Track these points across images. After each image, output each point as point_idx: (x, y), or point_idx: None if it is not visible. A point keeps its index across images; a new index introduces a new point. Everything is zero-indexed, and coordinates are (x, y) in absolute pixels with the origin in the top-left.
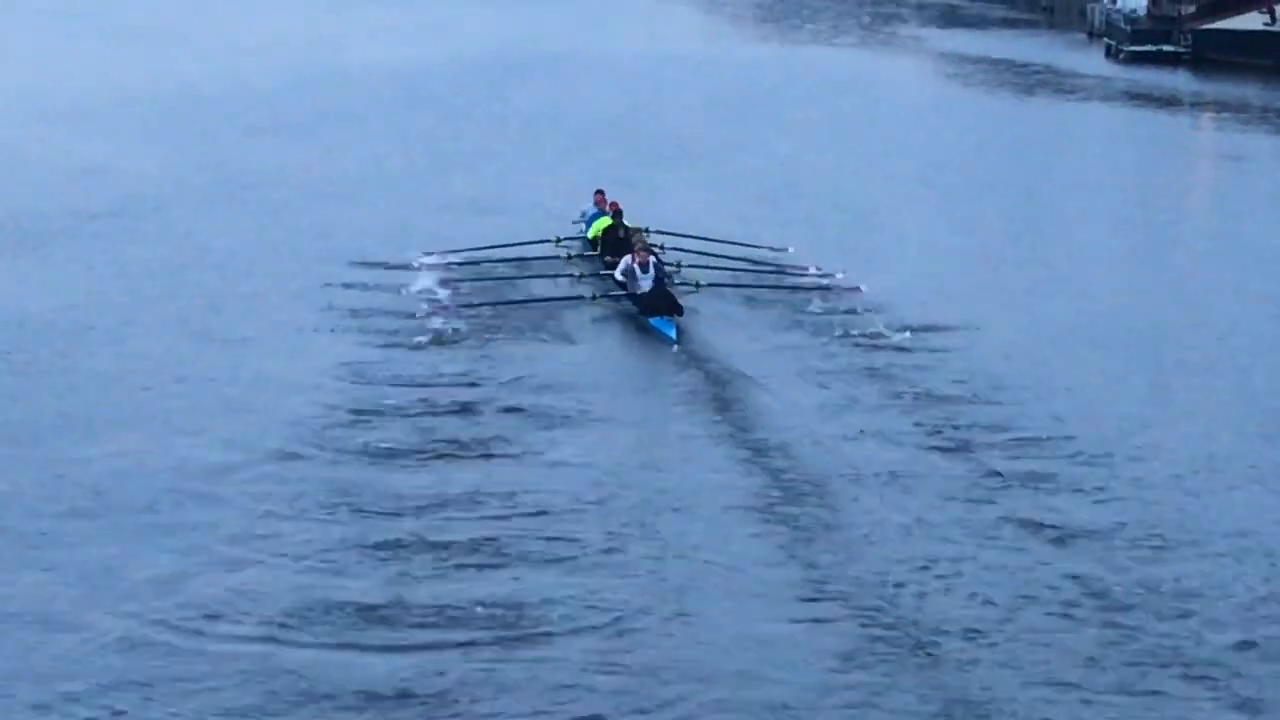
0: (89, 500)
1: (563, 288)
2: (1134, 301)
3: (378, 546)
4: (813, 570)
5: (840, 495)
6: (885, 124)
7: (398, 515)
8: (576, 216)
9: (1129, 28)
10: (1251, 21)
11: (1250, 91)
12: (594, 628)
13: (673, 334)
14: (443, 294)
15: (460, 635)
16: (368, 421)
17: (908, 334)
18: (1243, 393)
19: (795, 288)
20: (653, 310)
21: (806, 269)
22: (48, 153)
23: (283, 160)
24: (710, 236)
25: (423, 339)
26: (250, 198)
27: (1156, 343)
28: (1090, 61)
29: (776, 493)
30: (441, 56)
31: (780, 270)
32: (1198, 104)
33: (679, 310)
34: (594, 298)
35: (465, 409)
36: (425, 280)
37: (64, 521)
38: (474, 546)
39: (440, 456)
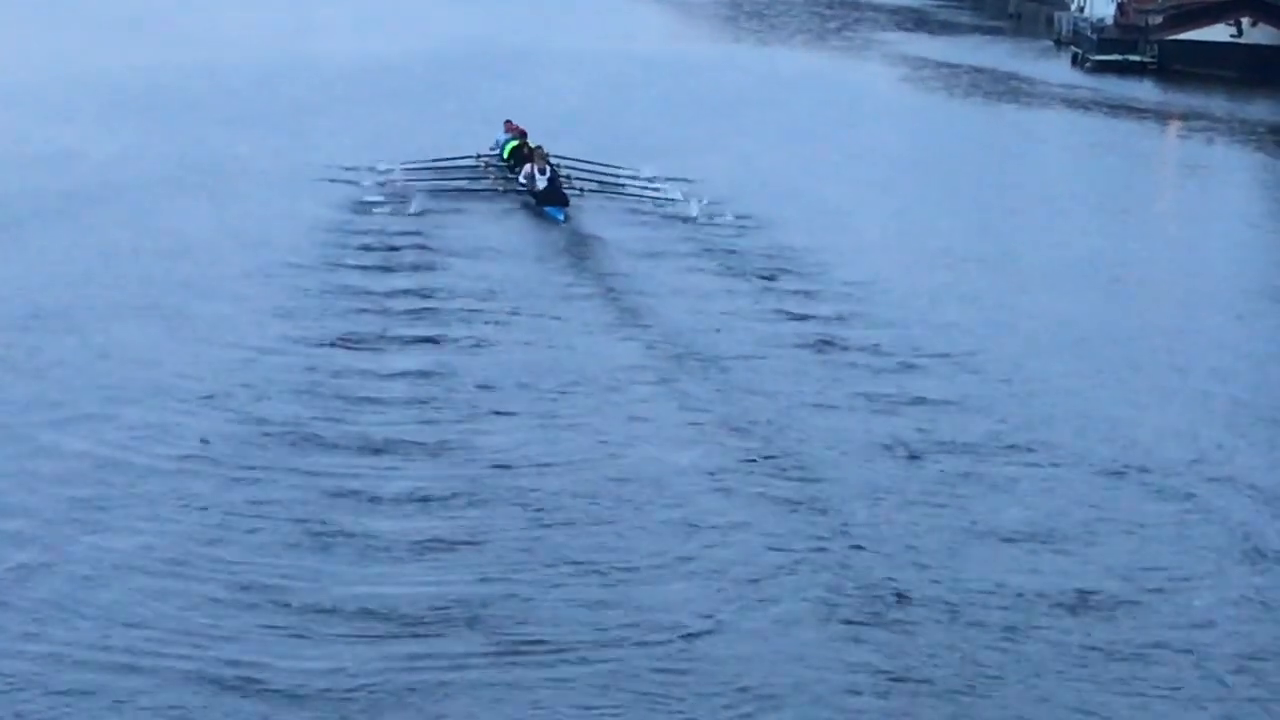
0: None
1: (481, 185)
2: (1087, 302)
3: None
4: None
5: (664, 311)
6: (848, 126)
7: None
8: (493, 143)
9: (1095, 36)
10: (1218, 33)
11: (1215, 102)
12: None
13: (561, 217)
14: (397, 183)
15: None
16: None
17: (730, 216)
18: (1188, 396)
19: (652, 198)
20: (547, 200)
21: (662, 187)
22: (18, 137)
23: (252, 149)
24: (596, 160)
25: (381, 209)
26: (217, 185)
27: (1102, 343)
28: (1056, 69)
29: (625, 314)
30: (410, 50)
31: (644, 186)
32: (1163, 114)
33: (566, 202)
34: (503, 191)
35: (413, 263)
36: (382, 176)
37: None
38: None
39: (393, 295)
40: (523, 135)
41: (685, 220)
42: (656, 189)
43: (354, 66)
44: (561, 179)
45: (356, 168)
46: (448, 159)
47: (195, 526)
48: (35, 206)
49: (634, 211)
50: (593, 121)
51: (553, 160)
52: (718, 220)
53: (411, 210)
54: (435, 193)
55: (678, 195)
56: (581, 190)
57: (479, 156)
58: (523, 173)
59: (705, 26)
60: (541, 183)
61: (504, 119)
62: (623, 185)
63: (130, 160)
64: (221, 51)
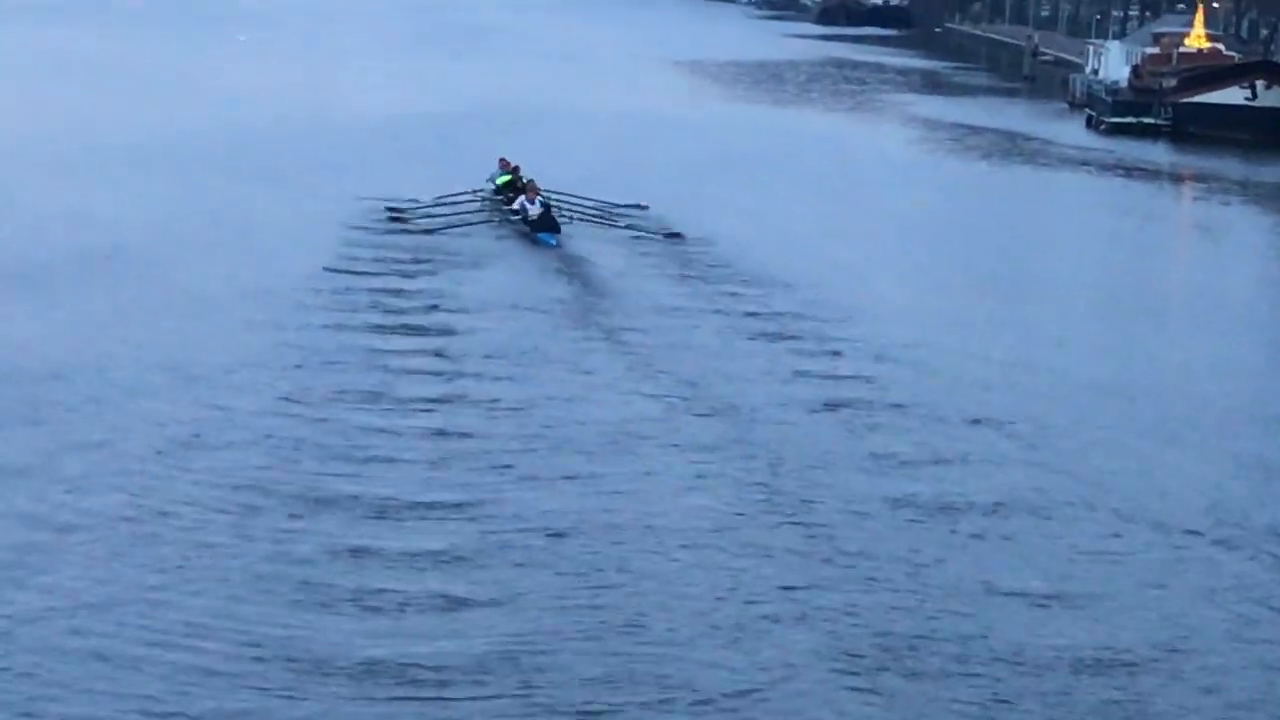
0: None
1: (479, 216)
2: (1102, 360)
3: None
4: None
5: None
6: (862, 185)
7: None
8: (488, 177)
9: (1110, 99)
10: (1232, 95)
11: (1229, 165)
12: None
13: (553, 242)
14: (404, 214)
15: None
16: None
17: (697, 239)
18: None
19: (638, 228)
20: (540, 228)
21: (647, 217)
22: (38, 197)
23: (268, 203)
24: (584, 194)
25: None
26: (232, 240)
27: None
28: (1071, 131)
29: (616, 319)
30: (430, 108)
31: (631, 218)
32: (1177, 176)
33: (558, 229)
34: (499, 222)
35: (419, 288)
36: (391, 212)
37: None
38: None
39: (399, 311)
40: (515, 170)
41: (666, 241)
42: (641, 219)
43: (372, 123)
44: (552, 208)
45: (371, 214)
46: (450, 195)
47: (207, 583)
48: (53, 262)
49: (619, 237)
50: (608, 177)
51: (544, 192)
52: (702, 247)
53: (420, 229)
54: (439, 225)
55: (662, 225)
56: (571, 218)
57: (475, 191)
58: (516, 203)
59: (722, 88)
60: (535, 212)
61: (499, 157)
62: (608, 215)
63: (148, 216)
64: (240, 108)
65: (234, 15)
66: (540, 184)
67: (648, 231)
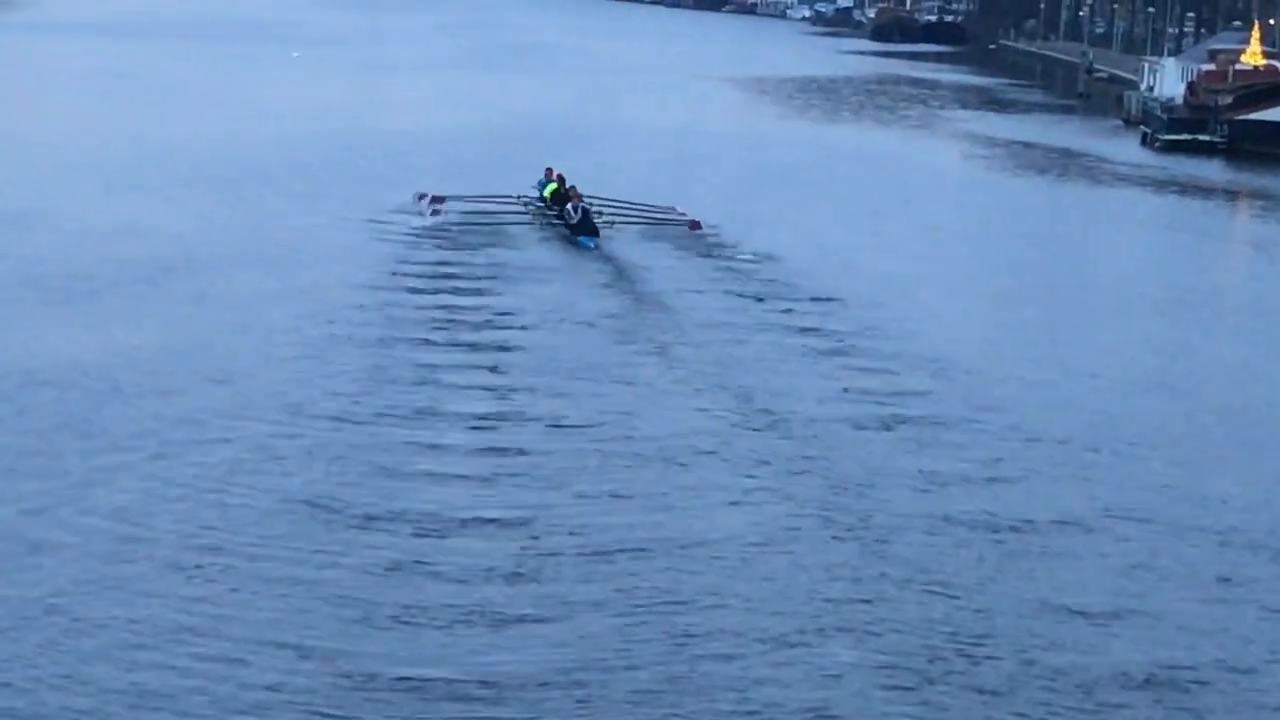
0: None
1: (522, 219)
2: (1156, 372)
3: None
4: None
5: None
6: (916, 201)
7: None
8: (535, 185)
9: (1165, 116)
10: None
11: None
12: None
13: (592, 245)
14: (450, 216)
15: None
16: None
17: (751, 255)
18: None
19: (669, 225)
20: (580, 231)
21: (683, 216)
22: (91, 211)
23: (316, 218)
24: (622, 198)
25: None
26: (280, 255)
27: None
28: (1125, 148)
29: (643, 312)
30: (479, 124)
31: (665, 216)
32: (1233, 193)
33: (596, 232)
34: (540, 225)
35: (466, 284)
36: (433, 205)
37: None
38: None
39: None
40: (561, 180)
41: (699, 241)
42: (677, 216)
43: (423, 139)
44: (593, 214)
45: (415, 222)
46: (492, 195)
47: (260, 600)
48: (105, 275)
49: (655, 236)
50: (662, 192)
51: (585, 198)
52: (758, 263)
53: (438, 219)
54: (484, 226)
55: (700, 220)
56: (611, 224)
57: (519, 197)
58: (564, 209)
59: (777, 104)
60: (576, 216)
61: (545, 166)
62: (645, 215)
63: (199, 229)
64: (288, 122)
65: (294, 34)
66: (583, 191)
67: (678, 223)
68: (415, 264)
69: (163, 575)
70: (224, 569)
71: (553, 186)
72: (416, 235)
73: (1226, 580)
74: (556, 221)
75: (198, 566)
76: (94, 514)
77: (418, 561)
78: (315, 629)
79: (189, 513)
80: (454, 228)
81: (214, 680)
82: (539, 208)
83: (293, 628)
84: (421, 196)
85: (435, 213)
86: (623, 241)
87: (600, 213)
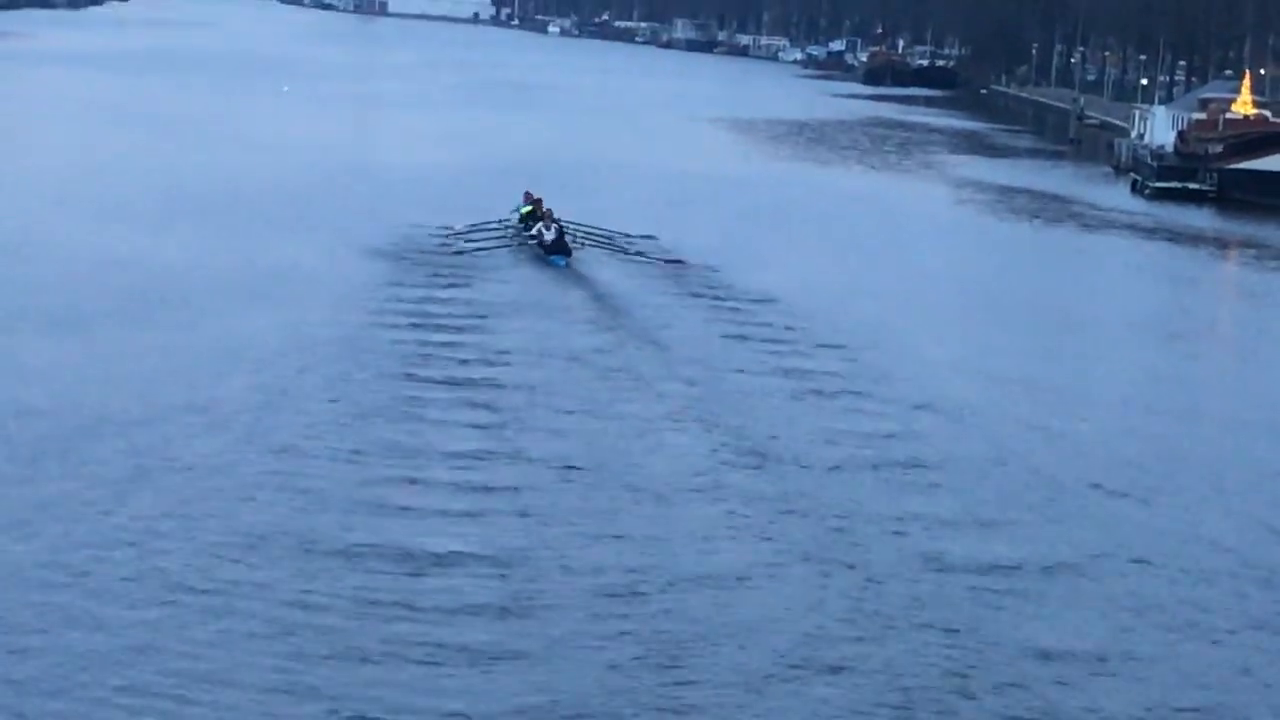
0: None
1: (502, 240)
2: (1145, 417)
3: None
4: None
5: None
6: (908, 245)
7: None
8: (513, 207)
9: (1155, 164)
10: (1278, 163)
11: (1275, 232)
12: None
13: (563, 263)
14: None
15: None
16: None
17: (740, 294)
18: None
19: (642, 253)
20: (552, 251)
21: (652, 244)
22: (82, 241)
23: (303, 250)
24: (594, 223)
25: (445, 248)
26: (271, 287)
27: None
28: (1115, 196)
29: (615, 320)
30: (466, 160)
31: (639, 245)
32: (1222, 242)
33: (569, 252)
34: (518, 245)
35: (452, 297)
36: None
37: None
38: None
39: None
40: (537, 202)
41: (672, 269)
42: (647, 245)
43: (418, 174)
44: (566, 235)
45: (401, 255)
46: (481, 222)
47: (243, 634)
48: (95, 305)
49: (623, 259)
50: (651, 230)
51: (557, 220)
52: (748, 302)
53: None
54: (471, 249)
55: (665, 251)
56: (581, 244)
57: (501, 221)
58: (535, 229)
59: (769, 146)
60: (549, 236)
61: (524, 190)
62: (615, 241)
63: (187, 260)
64: (286, 156)
65: (283, 69)
66: (558, 214)
67: (652, 257)
68: (404, 296)
69: (140, 609)
70: (203, 607)
71: (527, 208)
72: (402, 266)
73: (1215, 623)
74: (531, 242)
75: (176, 601)
76: (74, 546)
77: (399, 599)
78: (297, 666)
79: (169, 547)
80: (442, 255)
81: (189, 706)
82: (517, 229)
83: (274, 665)
84: (447, 229)
85: (459, 251)
86: (613, 278)
87: (574, 235)
